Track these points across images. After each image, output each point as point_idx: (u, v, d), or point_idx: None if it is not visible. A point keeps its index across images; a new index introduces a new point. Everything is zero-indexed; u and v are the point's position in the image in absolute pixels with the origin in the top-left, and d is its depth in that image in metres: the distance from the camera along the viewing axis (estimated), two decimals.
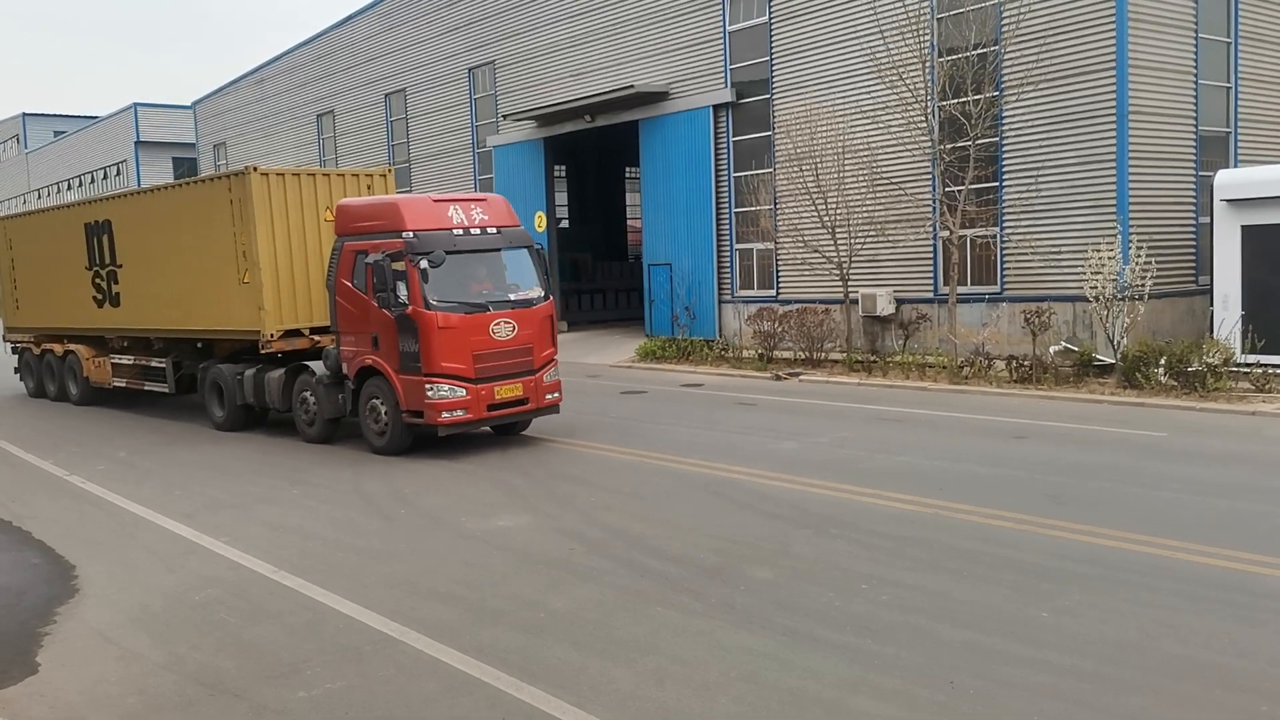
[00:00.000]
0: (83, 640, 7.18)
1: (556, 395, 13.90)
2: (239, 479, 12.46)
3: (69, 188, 65.01)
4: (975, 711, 5.47)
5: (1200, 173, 19.43)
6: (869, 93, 21.21)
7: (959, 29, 19.68)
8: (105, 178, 60.65)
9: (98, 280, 18.65)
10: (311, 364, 14.53)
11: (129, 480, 12.59)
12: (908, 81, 19.13)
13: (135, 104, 57.33)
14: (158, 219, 16.98)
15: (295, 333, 15.00)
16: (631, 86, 26.21)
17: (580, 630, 6.87)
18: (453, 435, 13.37)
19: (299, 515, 10.50)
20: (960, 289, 19.59)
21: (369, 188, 15.82)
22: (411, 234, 12.83)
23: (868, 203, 20.73)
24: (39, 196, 68.83)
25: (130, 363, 18.52)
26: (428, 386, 12.70)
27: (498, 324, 13.04)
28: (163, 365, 17.62)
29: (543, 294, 13.80)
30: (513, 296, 13.49)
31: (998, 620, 6.71)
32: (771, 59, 23.75)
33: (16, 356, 22.63)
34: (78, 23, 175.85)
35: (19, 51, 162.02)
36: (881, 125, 20.87)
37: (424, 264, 12.67)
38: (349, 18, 38.26)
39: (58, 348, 20.54)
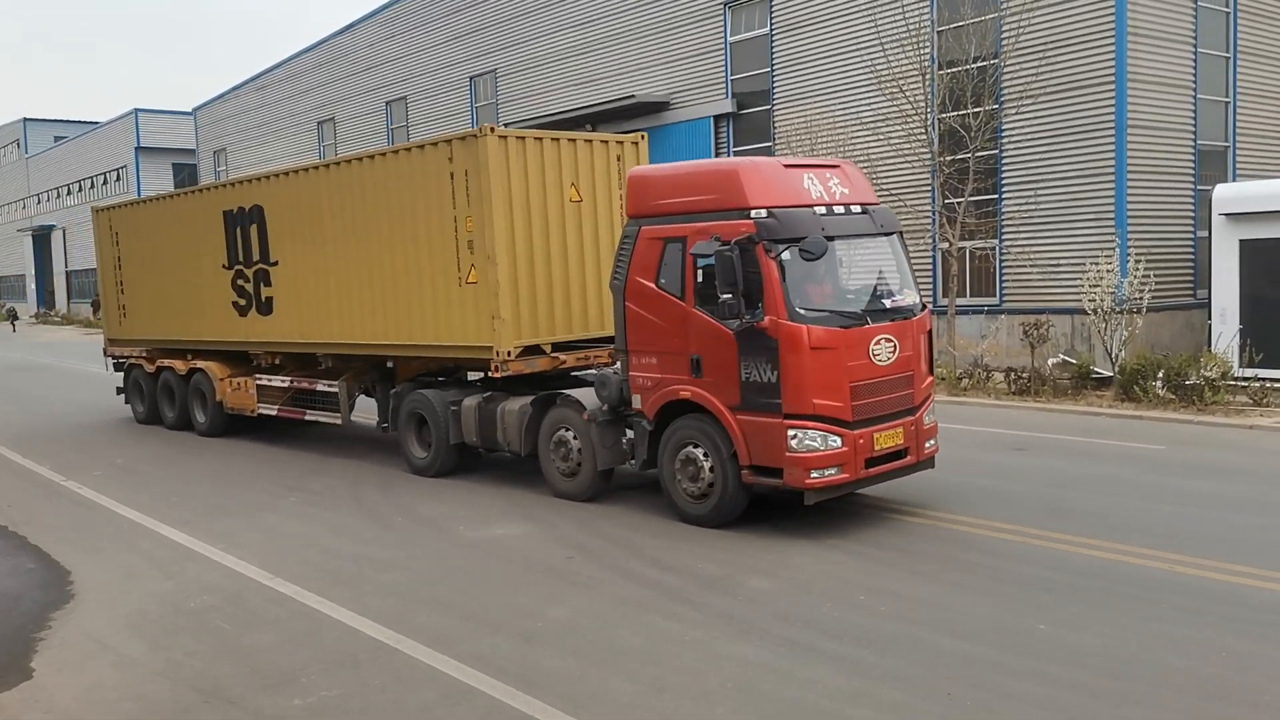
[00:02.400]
0: (78, 646, 7.15)
1: (934, 444, 9.94)
2: (237, 486, 12.44)
3: (68, 193, 65.08)
4: None
5: (1199, 187, 19.49)
6: (869, 104, 21.26)
7: (959, 42, 19.75)
8: (105, 183, 60.72)
9: (241, 282, 14.85)
10: (571, 393, 10.80)
11: (127, 486, 12.56)
12: (908, 93, 19.18)
13: (136, 109, 57.50)
14: (334, 203, 13.09)
15: (534, 349, 11.32)
16: (633, 96, 26.26)
17: (579, 639, 6.86)
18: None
19: (297, 523, 10.48)
20: (959, 301, 19.62)
21: (619, 159, 12.17)
22: (764, 212, 8.98)
23: None
24: (38, 202, 68.86)
25: (284, 385, 14.51)
26: (791, 433, 8.77)
27: (878, 343, 9.12)
28: (333, 389, 13.69)
29: (918, 300, 9.94)
30: (888, 304, 9.63)
31: (996, 632, 6.70)
32: (773, 70, 23.82)
33: (123, 374, 18.36)
34: (79, 28, 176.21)
35: (20, 56, 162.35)
36: (882, 137, 20.92)
37: (783, 255, 8.84)
38: (351, 25, 38.37)
39: (179, 364, 16.46)
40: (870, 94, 20.96)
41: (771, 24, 23.78)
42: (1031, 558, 8.25)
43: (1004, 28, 19.17)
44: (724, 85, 25.02)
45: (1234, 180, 19.82)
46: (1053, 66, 18.65)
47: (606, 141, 12.21)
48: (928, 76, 19.75)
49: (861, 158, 21.04)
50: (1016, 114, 19.17)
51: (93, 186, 62.33)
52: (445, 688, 6.16)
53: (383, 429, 13.29)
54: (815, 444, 8.79)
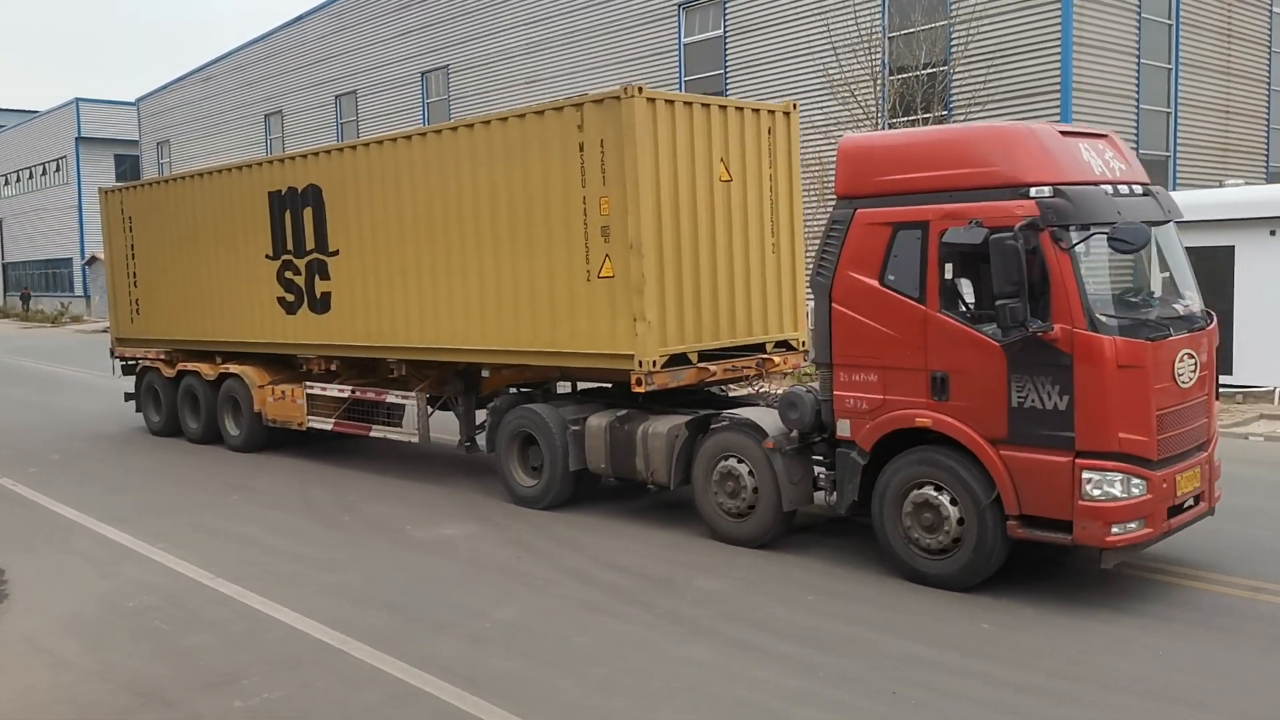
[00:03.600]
0: (11, 647, 6.96)
1: (1219, 487, 7.99)
2: (180, 485, 12.19)
3: (5, 183, 63.45)
4: None
5: None
6: (821, 108, 21.42)
7: (909, 48, 19.98)
8: (44, 174, 59.27)
9: (289, 275, 12.73)
10: (742, 413, 8.89)
11: (64, 483, 12.26)
12: (859, 98, 19.36)
13: (77, 99, 56.14)
14: (417, 183, 10.99)
15: (678, 358, 9.55)
16: (586, 95, 26.16)
17: (527, 640, 6.82)
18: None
19: (240, 522, 10.30)
20: None
21: (769, 131, 10.29)
22: (1047, 190, 7.03)
23: (819, 217, 20.91)
24: None
25: (342, 395, 12.46)
26: (1087, 476, 6.91)
27: (1182, 359, 7.34)
28: (407, 401, 11.75)
29: (1202, 304, 8.09)
30: (1179, 309, 7.83)
31: (941, 632, 6.77)
32: (726, 72, 23.91)
33: (135, 379, 16.00)
34: (14, 10, 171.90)
35: None
36: (833, 140, 21.06)
37: (1077, 246, 7.03)
38: (299, 17, 37.82)
39: (207, 369, 14.22)
40: (822, 98, 21.12)
41: (725, 26, 23.87)
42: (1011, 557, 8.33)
43: (953, 35, 19.43)
44: (678, 86, 25.05)
45: (1174, 189, 20.28)
46: (1001, 74, 18.94)
47: (758, 110, 10.23)
48: (879, 81, 19.96)
49: (814, 161, 21.19)
50: (965, 120, 19.43)
51: (31, 177, 60.83)
52: (390, 689, 6.08)
53: (464, 448, 11.51)
54: (1116, 490, 6.89)
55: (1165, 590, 7.48)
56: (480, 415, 11.48)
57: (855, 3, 20.48)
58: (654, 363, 9.25)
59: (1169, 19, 20.48)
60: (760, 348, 10.29)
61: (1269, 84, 21.64)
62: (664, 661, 6.40)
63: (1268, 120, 22.75)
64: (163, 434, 15.24)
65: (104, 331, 44.53)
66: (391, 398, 12.01)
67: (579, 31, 27.22)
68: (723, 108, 9.92)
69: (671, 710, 5.73)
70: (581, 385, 11.20)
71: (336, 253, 12.13)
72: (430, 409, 11.81)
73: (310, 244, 12.43)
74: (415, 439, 11.79)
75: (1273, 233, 15.20)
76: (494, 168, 10.19)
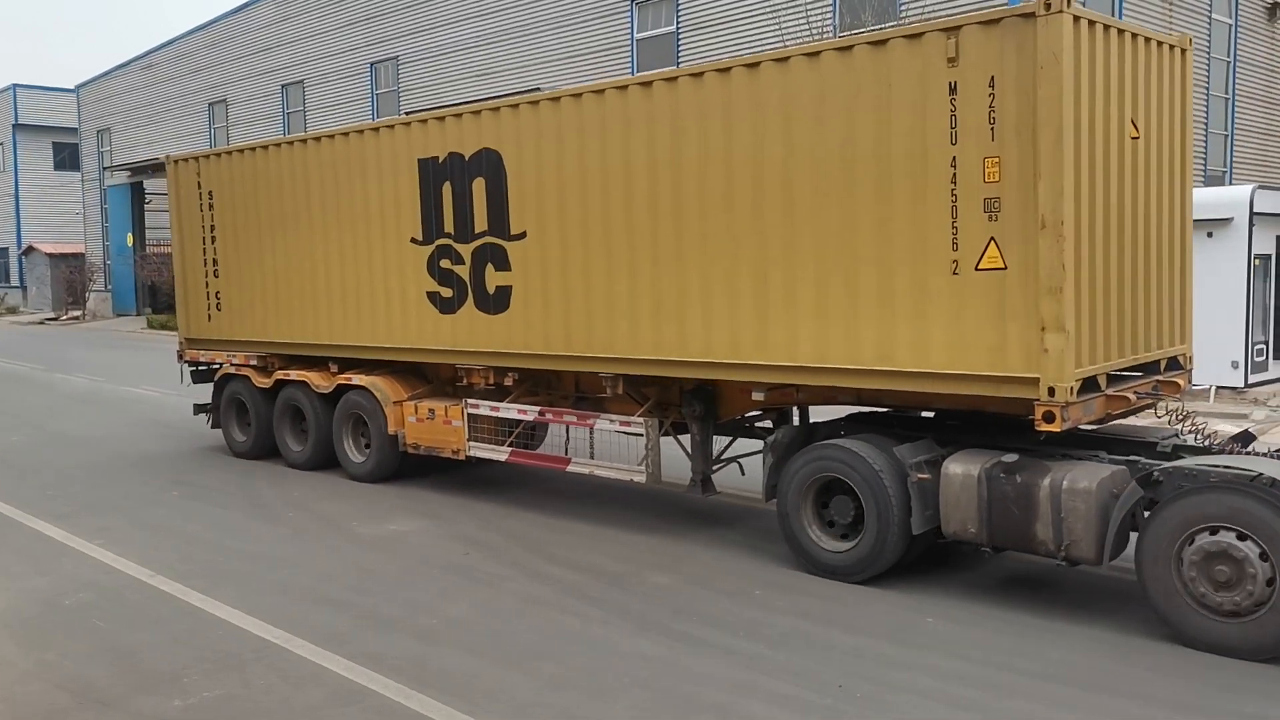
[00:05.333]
0: None
1: None
2: (119, 480, 11.93)
3: None
4: (862, 714, 5.57)
5: None
6: None
7: None
8: None
9: (446, 264, 10.06)
10: (1214, 464, 6.38)
11: (2, 479, 11.96)
12: None
13: (14, 85, 54.69)
14: (655, 142, 8.39)
15: (1090, 383, 6.99)
16: (539, 89, 26.08)
17: (475, 637, 6.77)
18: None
19: (183, 519, 10.11)
20: None
21: (1181, 73, 7.94)
22: None
23: None
24: None
25: (524, 418, 10.01)
26: None
27: None
28: (633, 429, 9.10)
29: None
30: None
31: (887, 626, 6.84)
32: (678, 68, 23.95)
33: (213, 387, 13.23)
34: None
35: None
36: None
37: None
38: (244, 5, 37.23)
39: (317, 378, 11.68)
40: None
41: (678, 22, 23.91)
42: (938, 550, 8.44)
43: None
44: None
45: None
46: None
47: (1161, 44, 7.71)
48: None
49: None
50: None
51: None
52: (335, 688, 6.01)
53: (699, 490, 9.08)
54: None
55: (1101, 582, 7.63)
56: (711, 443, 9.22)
57: (806, 2, 20.61)
58: (1071, 390, 6.65)
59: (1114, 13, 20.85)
60: (1155, 366, 7.77)
61: (1207, 89, 22.15)
62: (614, 657, 6.39)
63: (1205, 124, 23.31)
64: (251, 455, 12.62)
65: (42, 324, 43.61)
66: (604, 423, 9.33)
67: (531, 25, 27.10)
68: (1134, 36, 7.33)
69: (621, 705, 5.73)
70: (826, 406, 8.64)
71: (521, 236, 9.42)
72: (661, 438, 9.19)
73: (481, 225, 9.71)
74: (641, 477, 8.99)
75: (1210, 235, 15.57)
76: (790, 122, 7.59)
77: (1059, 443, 7.25)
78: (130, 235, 42.55)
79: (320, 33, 33.80)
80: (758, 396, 8.42)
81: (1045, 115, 6.51)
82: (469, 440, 10.33)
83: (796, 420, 9.23)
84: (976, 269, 6.90)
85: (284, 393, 12.14)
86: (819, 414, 8.91)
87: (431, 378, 11.22)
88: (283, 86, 35.62)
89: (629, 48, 24.94)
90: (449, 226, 10.02)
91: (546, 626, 6.94)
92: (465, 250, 9.91)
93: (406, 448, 10.89)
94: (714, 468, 9.28)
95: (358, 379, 11.23)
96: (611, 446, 9.67)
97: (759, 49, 21.74)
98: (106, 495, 11.12)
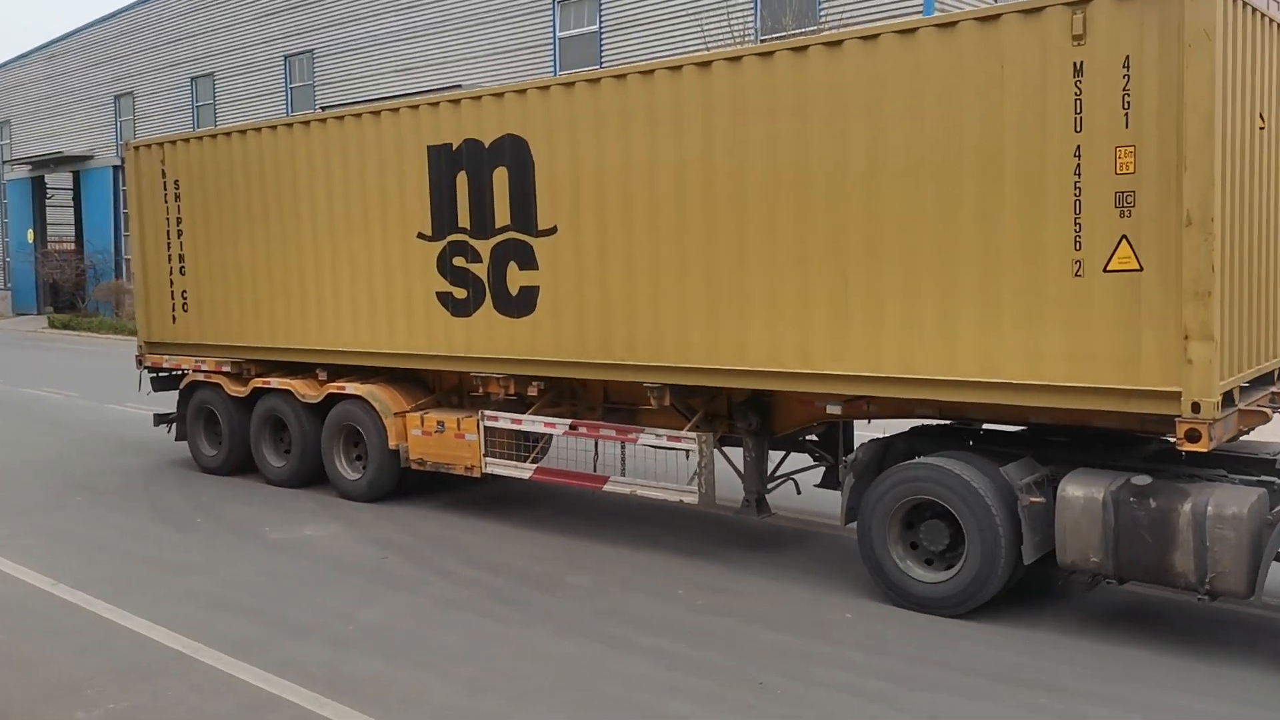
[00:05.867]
0: None
1: None
2: (20, 486, 11.45)
3: None
4: (783, 711, 5.61)
5: None
6: None
7: None
8: None
9: (460, 261, 9.14)
10: None
11: None
12: None
13: None
14: (712, 132, 7.63)
15: (1225, 397, 6.19)
16: (459, 86, 25.82)
17: (392, 642, 6.64)
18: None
19: (84, 525, 9.74)
20: None
21: None
22: None
23: None
24: None
25: (550, 431, 9.14)
26: None
27: None
28: (685, 444, 8.27)
29: None
30: None
31: (805, 622, 6.90)
32: (601, 67, 23.92)
33: (179, 396, 12.02)
34: None
35: None
36: None
37: None
38: None
39: (303, 386, 10.61)
40: None
41: (601, 22, 23.88)
42: (836, 546, 8.54)
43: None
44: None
45: None
46: None
47: None
48: None
49: None
50: None
51: None
52: (246, 697, 5.84)
53: (754, 510, 8.34)
54: None
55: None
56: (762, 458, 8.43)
57: (728, 4, 20.77)
58: (1217, 405, 5.97)
59: None
60: (1269, 377, 7.02)
61: None
62: (535, 659, 6.33)
63: None
64: (223, 471, 11.48)
65: None
66: (649, 438, 8.47)
67: (452, 21, 26.81)
68: (1264, 17, 6.60)
69: (543, 708, 5.68)
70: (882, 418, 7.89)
71: (551, 231, 8.55)
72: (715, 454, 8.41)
73: (502, 219, 8.81)
74: (692, 498, 8.18)
75: None
76: (876, 107, 6.85)
77: (1169, 461, 6.59)
78: (30, 231, 40.97)
79: (232, 24, 32.96)
80: (833, 410, 7.57)
81: (1193, 100, 5.81)
82: (485, 456, 9.36)
83: (862, 437, 8.11)
84: (1105, 270, 6.18)
85: (263, 403, 10.98)
86: (864, 426, 8.37)
87: (434, 386, 10.32)
88: (192, 79, 34.65)
89: (551, 46, 24.83)
90: (464, 221, 9.09)
91: (465, 630, 6.85)
92: (483, 247, 8.97)
93: (410, 463, 9.86)
94: (769, 486, 8.55)
95: (352, 388, 10.16)
96: (644, 463, 8.91)
97: (681, 51, 21.84)
98: (3, 501, 10.66)
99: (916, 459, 7.14)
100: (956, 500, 6.73)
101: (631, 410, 9.10)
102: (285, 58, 31.46)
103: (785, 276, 7.34)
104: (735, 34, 20.05)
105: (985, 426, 7.60)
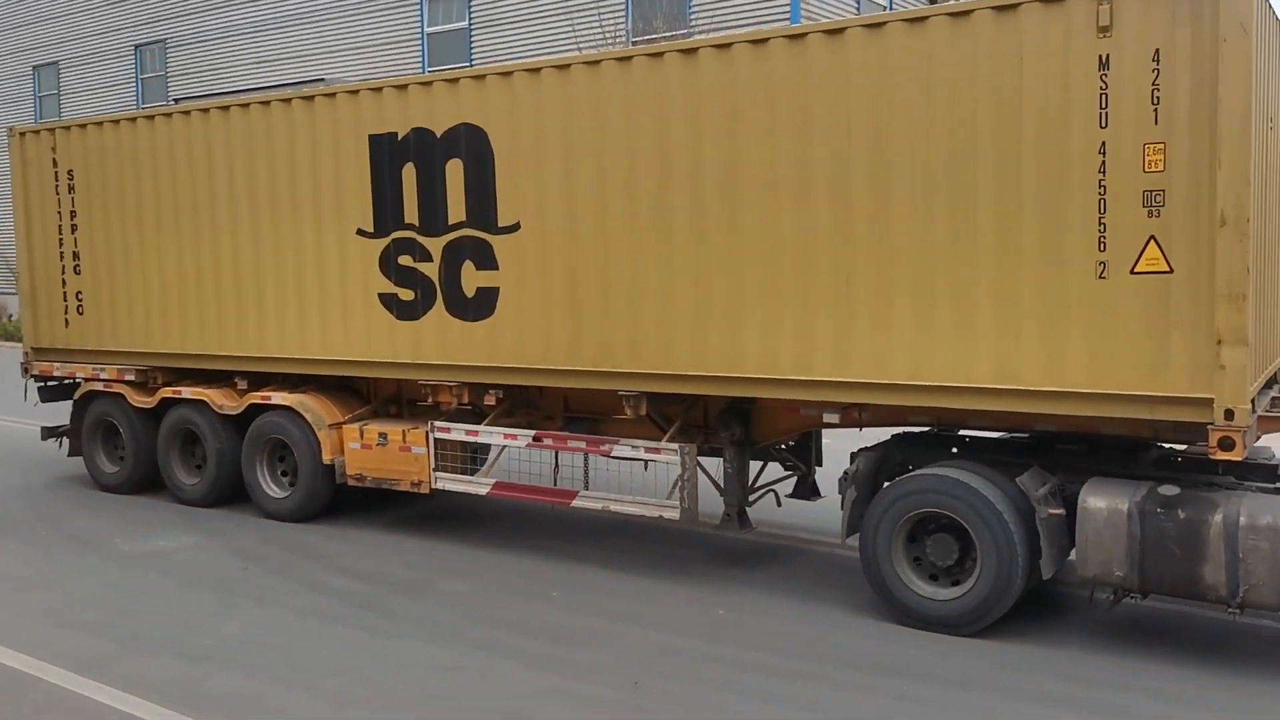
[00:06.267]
0: None
1: None
2: None
3: None
4: (660, 709, 5.59)
5: None
6: None
7: None
8: None
9: (406, 260, 8.52)
10: None
11: None
12: None
13: None
14: (702, 124, 7.18)
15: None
16: (323, 80, 25.04)
17: (254, 656, 6.35)
18: None
19: None
20: None
21: None
22: None
23: None
24: None
25: (515, 443, 8.46)
26: None
27: None
28: (665, 455, 7.71)
29: None
30: None
31: (683, 620, 6.91)
32: (471, 64, 23.59)
33: (72, 407, 10.96)
34: None
35: None
36: None
37: None
38: None
39: (220, 396, 9.78)
40: None
41: (470, 19, 23.56)
42: (728, 546, 8.61)
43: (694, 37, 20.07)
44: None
45: None
46: None
47: None
48: None
49: None
50: None
51: None
52: (94, 716, 5.48)
53: (735, 525, 7.90)
54: None
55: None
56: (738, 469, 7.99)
57: (600, 5, 20.77)
58: (1250, 411, 5.80)
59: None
60: (1272, 380, 6.93)
61: None
62: (406, 668, 6.14)
63: None
64: (126, 490, 10.48)
65: None
66: (625, 449, 7.92)
67: (315, 12, 26.02)
68: (1273, 14, 6.57)
69: (414, 718, 5.51)
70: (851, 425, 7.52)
71: (513, 228, 8.00)
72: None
73: (457, 215, 8.22)
74: (673, 513, 7.68)
75: None
76: (884, 99, 6.54)
77: (1173, 468, 6.57)
78: None
79: (78, 10, 31.24)
80: (830, 419, 7.28)
81: (1229, 96, 5.64)
82: (435, 470, 8.71)
83: (834, 446, 8.11)
84: (1132, 272, 5.93)
85: (173, 414, 10.04)
86: (835, 435, 8.06)
87: (370, 395, 9.60)
88: (35, 68, 32.69)
89: (419, 41, 24.36)
90: (411, 217, 8.43)
91: (333, 641, 6.60)
92: (434, 245, 8.35)
93: (347, 479, 9.12)
94: (752, 499, 8.16)
95: (279, 397, 9.34)
96: (609, 476, 8.48)
97: (552, 50, 21.73)
98: None
99: (922, 470, 6.81)
100: (970, 513, 6.42)
101: (595, 420, 8.54)
102: (136, 47, 29.99)
103: (783, 277, 6.93)
104: (607, 35, 20.06)
105: (967, 433, 7.31)
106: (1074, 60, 5.99)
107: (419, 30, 24.42)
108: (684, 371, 7.36)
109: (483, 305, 8.19)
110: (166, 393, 10.05)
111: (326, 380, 9.51)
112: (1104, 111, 5.94)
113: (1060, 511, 6.39)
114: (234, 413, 9.65)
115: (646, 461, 7.99)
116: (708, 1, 19.82)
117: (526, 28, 22.64)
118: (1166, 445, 6.70)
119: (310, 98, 9.07)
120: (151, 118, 10.08)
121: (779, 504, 8.40)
